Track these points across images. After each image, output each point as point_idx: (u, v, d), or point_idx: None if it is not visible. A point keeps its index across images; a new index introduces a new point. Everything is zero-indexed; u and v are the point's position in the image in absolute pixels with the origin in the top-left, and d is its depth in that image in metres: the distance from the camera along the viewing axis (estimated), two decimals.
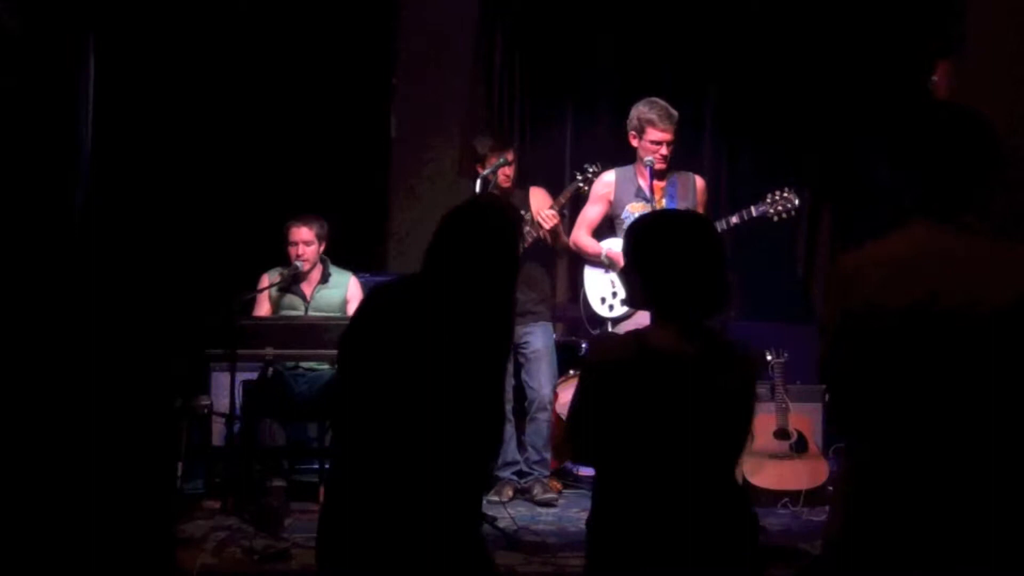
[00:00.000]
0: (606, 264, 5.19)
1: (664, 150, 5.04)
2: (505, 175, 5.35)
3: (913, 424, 2.09)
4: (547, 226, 5.27)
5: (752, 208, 5.04)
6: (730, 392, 2.45)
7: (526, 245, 5.31)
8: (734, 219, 5.02)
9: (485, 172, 5.23)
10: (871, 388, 2.12)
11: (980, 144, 2.19)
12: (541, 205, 5.47)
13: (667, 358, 2.42)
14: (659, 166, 5.05)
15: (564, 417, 5.64)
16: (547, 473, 5.40)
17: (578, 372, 5.82)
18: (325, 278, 5.63)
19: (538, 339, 5.42)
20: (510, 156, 5.34)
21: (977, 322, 2.06)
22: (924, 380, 2.08)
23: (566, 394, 5.67)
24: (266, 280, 5.62)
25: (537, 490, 5.30)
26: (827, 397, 2.27)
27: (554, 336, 5.59)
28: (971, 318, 2.06)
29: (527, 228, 5.40)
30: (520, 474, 5.47)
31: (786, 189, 5.04)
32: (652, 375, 2.40)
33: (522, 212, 5.46)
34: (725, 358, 2.45)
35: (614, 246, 5.15)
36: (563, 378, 5.65)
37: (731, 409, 2.45)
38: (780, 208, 5.01)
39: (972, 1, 5.12)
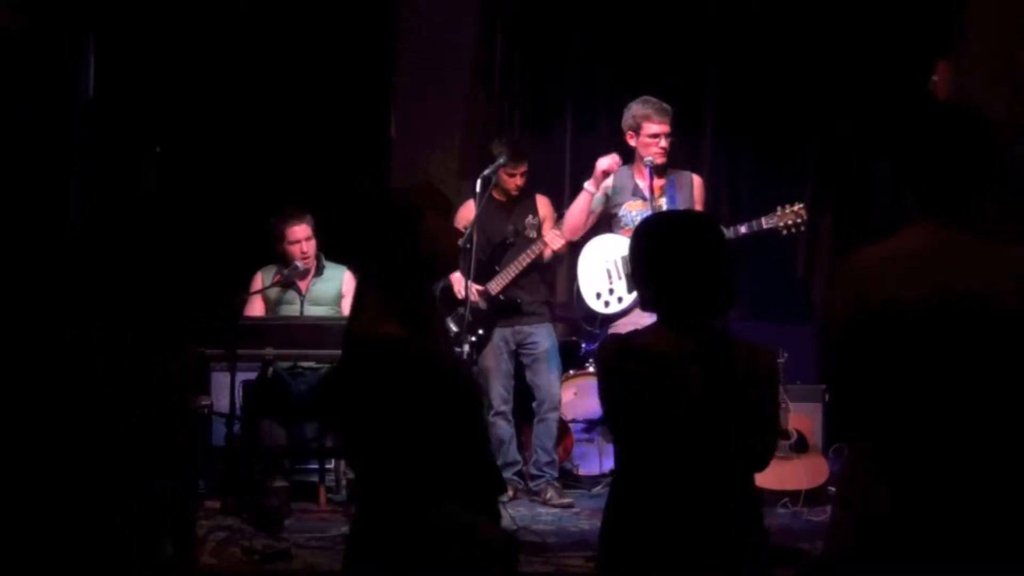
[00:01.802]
0: (594, 192, 5.15)
1: (663, 142, 5.04)
2: (516, 185, 5.38)
3: (923, 421, 2.08)
4: (555, 247, 5.29)
5: (762, 220, 5.04)
6: (736, 392, 2.43)
7: (533, 258, 5.33)
8: (743, 228, 5.03)
9: (485, 172, 5.25)
10: (880, 384, 2.12)
11: (979, 144, 2.19)
12: (547, 213, 5.51)
13: (661, 359, 2.41)
14: (659, 160, 5.04)
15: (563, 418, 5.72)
16: (557, 475, 5.40)
17: (578, 373, 5.86)
18: (319, 271, 5.65)
19: (543, 339, 5.43)
20: (523, 168, 5.36)
21: (988, 319, 2.07)
22: (936, 376, 2.08)
23: (563, 396, 5.67)
24: (259, 278, 5.63)
25: (551, 494, 5.29)
26: (827, 395, 2.26)
27: (555, 337, 5.60)
28: (982, 315, 2.07)
29: (533, 234, 5.42)
30: (524, 475, 5.46)
31: (796, 203, 5.05)
32: (648, 376, 2.41)
33: (529, 216, 5.49)
34: (732, 358, 2.44)
35: (611, 244, 5.16)
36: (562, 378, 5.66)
37: (737, 408, 2.44)
38: (789, 222, 5.02)
39: (972, 1, 5.11)
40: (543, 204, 5.57)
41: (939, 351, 2.08)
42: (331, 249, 5.72)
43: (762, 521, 2.51)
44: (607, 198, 5.19)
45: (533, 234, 5.44)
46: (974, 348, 2.06)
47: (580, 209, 5.20)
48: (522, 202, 5.51)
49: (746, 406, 2.44)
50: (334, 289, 5.63)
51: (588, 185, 5.14)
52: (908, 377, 2.10)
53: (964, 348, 2.07)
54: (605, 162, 5.06)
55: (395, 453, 2.45)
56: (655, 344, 2.45)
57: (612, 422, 2.53)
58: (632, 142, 5.13)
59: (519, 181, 5.41)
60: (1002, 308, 2.06)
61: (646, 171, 5.05)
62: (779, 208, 5.05)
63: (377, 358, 2.45)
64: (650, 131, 5.03)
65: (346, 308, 5.55)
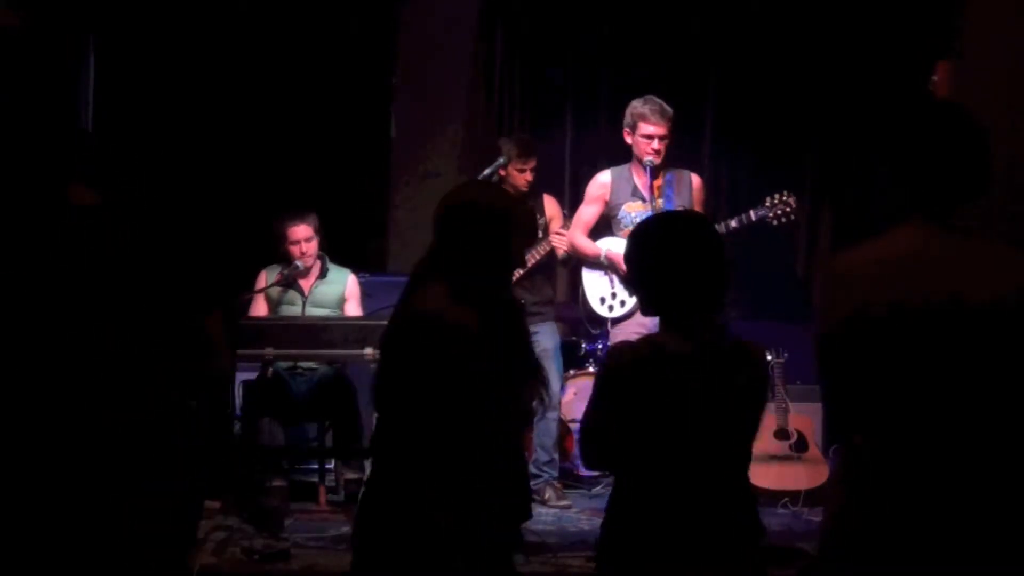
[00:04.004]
0: (605, 265, 5.17)
1: (656, 144, 5.01)
2: (526, 180, 5.38)
3: (907, 421, 2.09)
4: (565, 248, 5.29)
5: (751, 212, 5.03)
6: (741, 390, 2.45)
7: (539, 258, 5.33)
8: (733, 223, 5.01)
9: (485, 172, 5.25)
10: (865, 386, 2.13)
11: (971, 144, 2.19)
12: (555, 213, 5.50)
13: (679, 360, 2.41)
14: (648, 158, 5.02)
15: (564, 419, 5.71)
16: (556, 474, 5.40)
17: (578, 373, 5.85)
18: (323, 273, 5.64)
19: (546, 338, 5.41)
20: (532, 163, 5.37)
21: (963, 320, 2.07)
22: (914, 378, 2.09)
23: (563, 396, 5.67)
24: (263, 278, 5.63)
25: (549, 494, 5.28)
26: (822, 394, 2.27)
27: (558, 337, 5.59)
28: (958, 316, 2.07)
29: (539, 234, 5.42)
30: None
31: (784, 192, 5.03)
32: (667, 378, 2.40)
33: (537, 216, 5.49)
34: (734, 356, 2.45)
35: (613, 246, 5.14)
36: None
37: (742, 407, 2.45)
38: (779, 212, 5.01)
39: (972, 1, 5.12)
40: (551, 204, 5.57)
41: (916, 351, 2.08)
42: (334, 250, 5.71)
43: (758, 518, 2.52)
44: (606, 204, 5.20)
45: (539, 234, 5.43)
46: (950, 348, 2.07)
47: (582, 254, 5.20)
48: (529, 201, 5.51)
49: (747, 404, 2.46)
50: (337, 292, 5.62)
51: (604, 258, 5.11)
52: (887, 377, 2.10)
53: (940, 348, 2.07)
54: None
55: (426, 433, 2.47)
56: (668, 346, 2.44)
57: (609, 426, 2.46)
58: (628, 140, 5.11)
59: (528, 177, 5.39)
60: (977, 309, 2.07)
61: (645, 172, 5.04)
62: (768, 199, 5.04)
63: (433, 336, 2.49)
64: (644, 131, 5.02)
65: (348, 311, 5.55)
